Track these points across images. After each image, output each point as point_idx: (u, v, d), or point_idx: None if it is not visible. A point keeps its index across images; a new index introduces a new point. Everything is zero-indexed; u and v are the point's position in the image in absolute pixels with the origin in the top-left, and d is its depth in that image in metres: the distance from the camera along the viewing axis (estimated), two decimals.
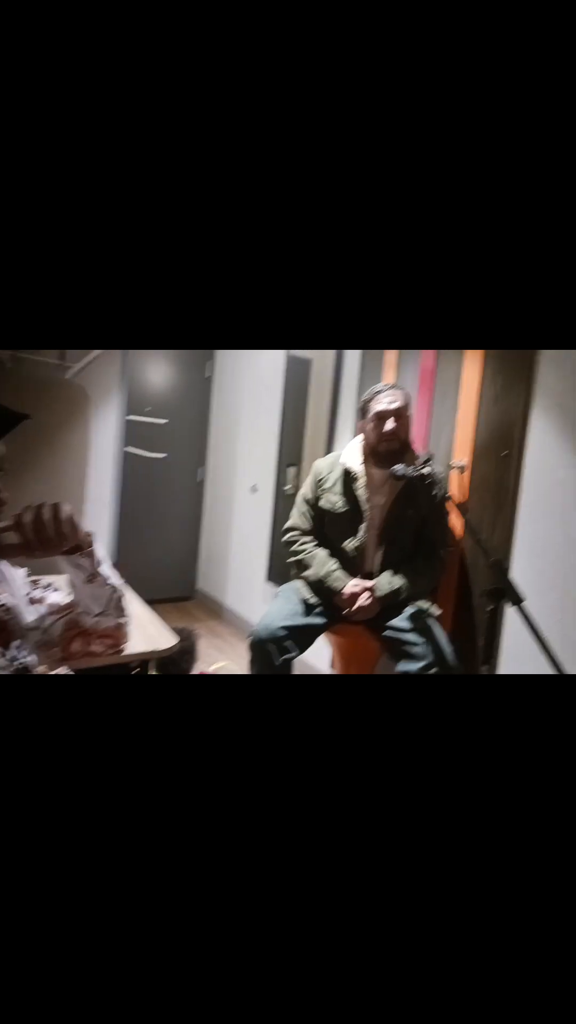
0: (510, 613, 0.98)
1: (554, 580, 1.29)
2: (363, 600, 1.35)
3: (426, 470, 1.30)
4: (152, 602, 2.48)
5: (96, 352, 1.73)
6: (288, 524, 1.58)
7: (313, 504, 1.54)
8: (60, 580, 0.99)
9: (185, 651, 1.99)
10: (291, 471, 2.56)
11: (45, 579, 0.97)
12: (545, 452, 1.36)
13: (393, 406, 1.39)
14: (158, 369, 3.01)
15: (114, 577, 0.89)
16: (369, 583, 1.38)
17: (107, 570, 0.88)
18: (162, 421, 3.04)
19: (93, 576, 0.84)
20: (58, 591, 0.97)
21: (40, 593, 0.93)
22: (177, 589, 3.21)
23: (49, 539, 0.72)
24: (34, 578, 0.96)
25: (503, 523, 1.44)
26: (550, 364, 1.35)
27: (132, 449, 2.86)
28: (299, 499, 1.59)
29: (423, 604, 1.39)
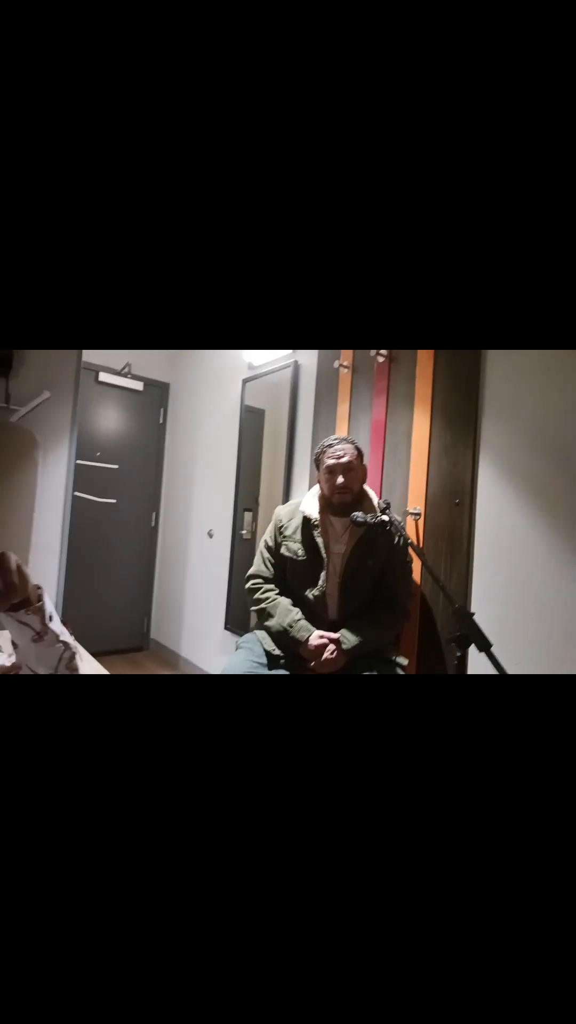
0: (472, 658, 1.01)
1: (510, 624, 1.33)
2: (329, 653, 1.34)
3: (384, 517, 1.34)
4: (102, 654, 2.33)
5: (44, 396, 1.69)
6: (251, 571, 1.56)
7: (274, 551, 1.54)
8: (1, 638, 0.91)
9: None
10: (247, 516, 2.56)
11: None
12: (493, 500, 1.44)
13: (343, 460, 1.42)
14: (109, 415, 2.97)
15: (64, 634, 0.84)
16: (334, 635, 1.37)
17: (57, 626, 0.82)
18: (113, 466, 2.98)
19: (41, 635, 0.78)
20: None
21: None
22: (129, 640, 3.06)
23: None
24: None
25: (458, 570, 1.49)
26: (493, 419, 1.46)
27: (81, 494, 2.76)
28: (261, 546, 1.58)
29: (390, 655, 1.40)
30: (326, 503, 1.49)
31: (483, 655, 0.94)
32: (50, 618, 0.81)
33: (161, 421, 3.18)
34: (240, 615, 2.45)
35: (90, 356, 2.79)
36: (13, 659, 0.82)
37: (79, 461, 2.79)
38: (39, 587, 0.81)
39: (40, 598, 0.80)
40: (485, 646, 0.95)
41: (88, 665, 1.07)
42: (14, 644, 0.79)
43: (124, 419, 3.03)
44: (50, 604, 0.82)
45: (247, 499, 2.52)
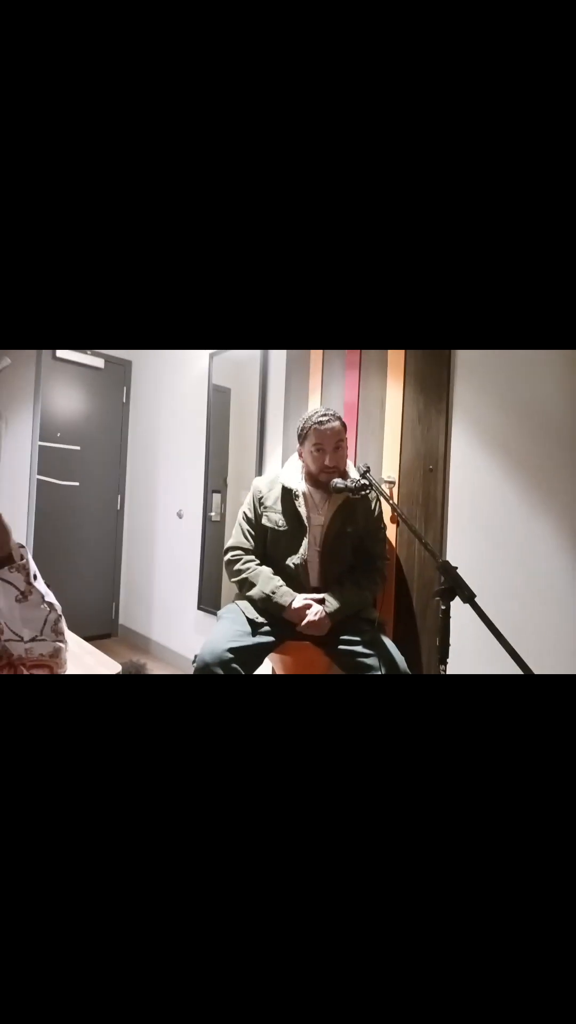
0: (456, 616, 1.04)
1: (490, 582, 1.39)
2: (313, 615, 1.35)
3: (365, 480, 1.35)
4: None
5: (5, 362, 1.60)
6: (229, 544, 1.55)
7: (255, 523, 1.53)
8: None
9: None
10: (216, 498, 2.53)
11: None
12: (467, 464, 1.48)
13: (334, 439, 1.42)
14: (69, 393, 2.85)
15: (49, 595, 0.81)
16: (318, 597, 1.39)
17: (41, 586, 0.79)
18: (75, 448, 2.87)
19: (25, 594, 0.75)
20: None
21: None
22: (97, 626, 2.98)
23: None
24: None
25: (433, 534, 1.53)
26: (464, 383, 1.50)
27: (43, 478, 2.65)
28: (239, 518, 1.56)
29: (370, 615, 1.42)
30: (310, 477, 1.49)
31: (468, 608, 0.97)
32: (34, 577, 0.78)
33: (124, 400, 3.08)
34: (213, 595, 2.43)
35: None
36: None
37: (39, 443, 2.67)
38: (22, 545, 0.77)
39: (23, 556, 0.76)
40: (469, 596, 0.98)
41: (68, 635, 1.03)
42: None
43: (85, 398, 2.91)
44: (33, 563, 0.78)
45: (216, 480, 2.49)
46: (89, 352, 2.89)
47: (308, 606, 1.36)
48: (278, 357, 2.14)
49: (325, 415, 1.45)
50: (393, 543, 1.65)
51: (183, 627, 2.64)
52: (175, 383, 2.78)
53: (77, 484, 2.87)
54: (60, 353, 2.78)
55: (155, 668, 2.60)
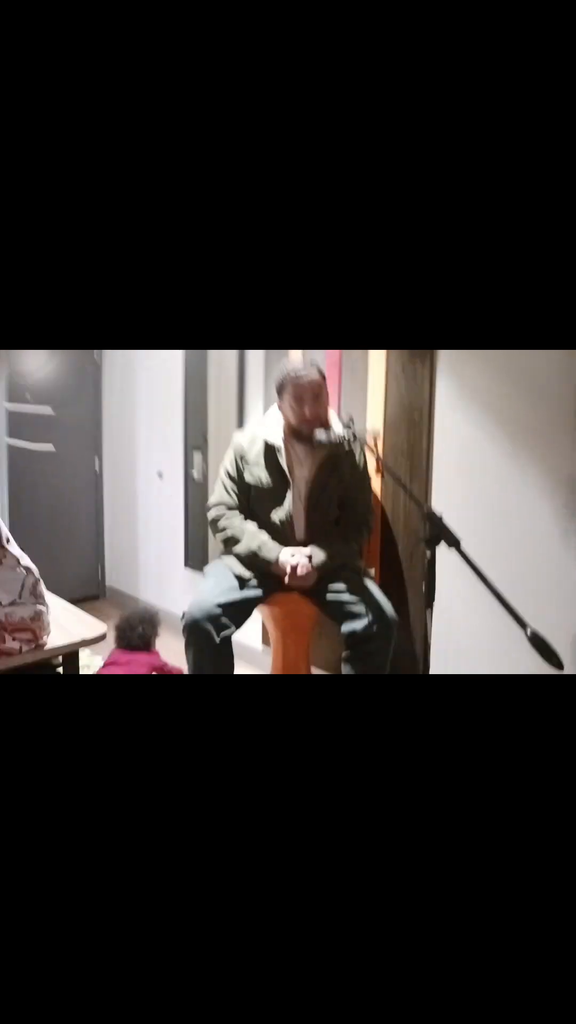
0: (441, 564, 1.06)
1: (475, 531, 1.41)
2: (302, 569, 1.36)
3: (348, 433, 1.34)
4: None
5: None
6: (212, 500, 1.54)
7: (237, 480, 1.51)
8: None
9: (144, 619, 1.86)
10: (197, 455, 2.48)
11: None
12: (450, 414, 1.47)
13: (310, 390, 1.39)
14: (39, 353, 2.71)
15: (25, 558, 0.79)
16: (305, 550, 1.40)
17: (15, 549, 0.77)
18: (47, 410, 2.76)
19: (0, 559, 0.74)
20: None
21: None
22: (84, 589, 2.98)
23: None
24: None
25: (419, 485, 1.54)
26: None
27: (14, 441, 2.56)
28: (222, 474, 1.54)
29: (356, 565, 1.44)
30: (291, 430, 1.46)
31: (454, 556, 0.99)
32: (7, 540, 0.76)
33: (96, 357, 2.95)
34: (199, 553, 2.43)
35: None
36: None
37: (7, 404, 2.56)
38: None
39: None
40: (454, 542, 1.00)
41: (51, 600, 1.02)
42: None
43: (54, 356, 2.78)
44: (5, 528, 0.76)
45: (195, 438, 2.44)
46: None
47: (295, 561, 1.37)
48: None
49: (302, 366, 1.41)
50: (378, 494, 1.65)
51: (172, 586, 2.65)
52: None
53: (51, 447, 2.78)
54: None
55: None
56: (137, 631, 1.79)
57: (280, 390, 1.45)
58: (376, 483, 1.64)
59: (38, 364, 2.72)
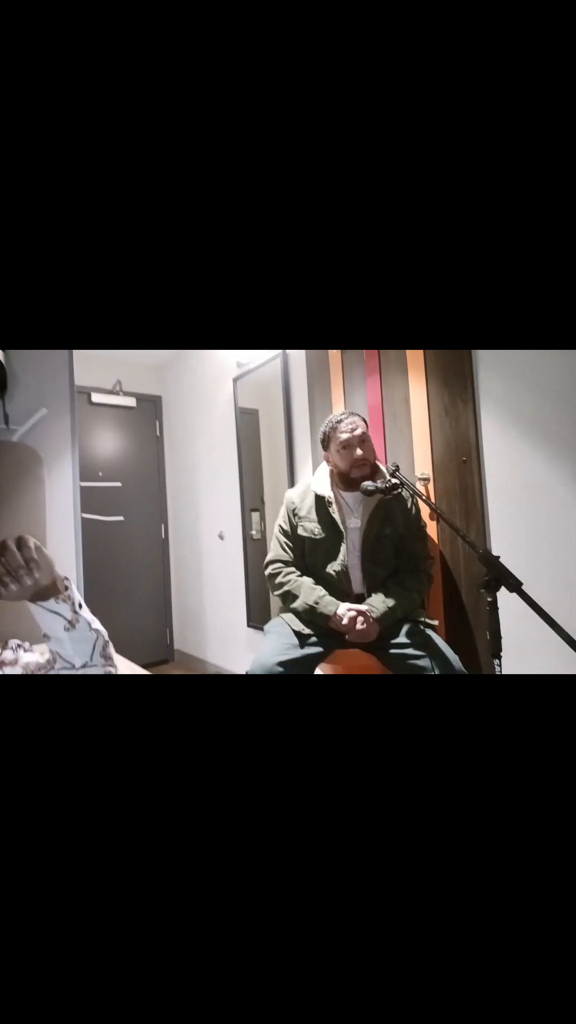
0: (504, 607, 1.00)
1: (537, 570, 1.32)
2: (360, 624, 1.33)
3: (395, 480, 1.34)
4: None
5: (42, 412, 1.70)
6: (269, 558, 1.56)
7: (291, 534, 1.53)
8: (30, 643, 0.91)
9: None
10: (255, 516, 2.56)
11: (14, 641, 0.89)
12: (500, 452, 1.44)
13: (357, 432, 1.43)
14: (106, 435, 2.99)
15: (95, 622, 0.83)
16: (363, 606, 1.37)
17: (87, 614, 0.82)
18: (116, 484, 2.99)
19: (73, 623, 0.78)
20: (30, 651, 0.89)
21: (11, 655, 0.85)
22: (154, 653, 3.06)
23: (17, 567, 0.67)
24: (2, 641, 0.88)
25: (475, 526, 1.48)
26: (487, 371, 1.46)
27: (88, 515, 2.77)
28: (276, 532, 1.57)
29: (419, 616, 1.39)
30: (340, 479, 1.48)
31: (516, 598, 0.93)
32: (80, 606, 0.81)
33: (158, 434, 3.20)
34: (261, 611, 2.44)
35: (80, 379, 2.80)
36: (47, 655, 0.82)
37: (82, 483, 2.80)
38: (66, 577, 0.81)
39: (67, 586, 0.80)
40: (516, 585, 0.94)
41: (119, 662, 1.07)
42: (45, 637, 0.79)
43: (121, 437, 3.05)
44: (77, 592, 0.82)
45: (252, 499, 2.53)
46: (120, 393, 3.02)
47: (354, 614, 1.34)
48: (299, 373, 2.17)
49: (343, 413, 1.47)
50: (436, 541, 1.61)
51: (235, 646, 2.66)
52: (204, 411, 2.86)
53: (122, 519, 2.98)
54: (95, 397, 2.92)
55: None
56: None
57: (326, 441, 1.50)
58: (432, 529, 1.61)
59: (108, 445, 2.99)
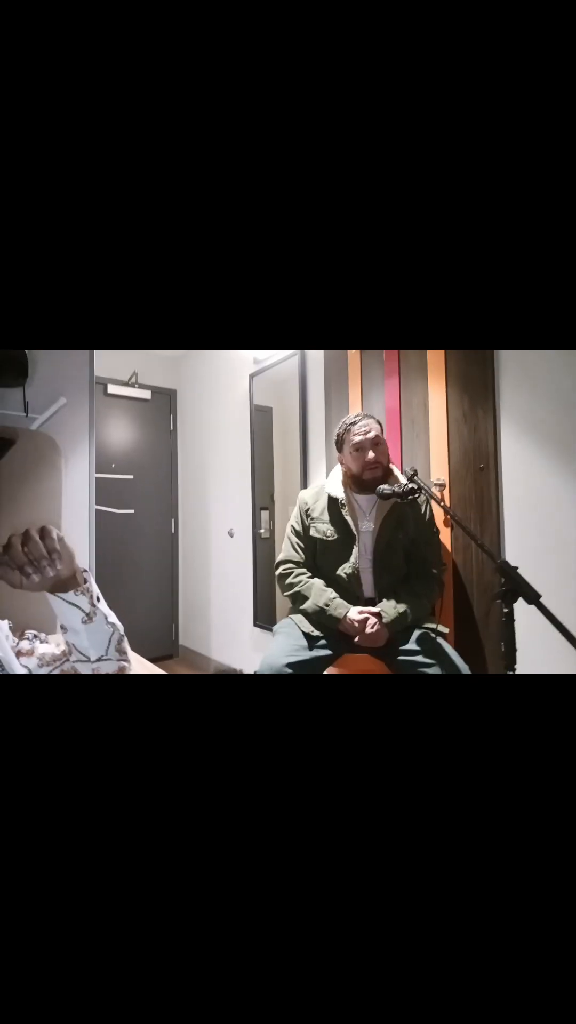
0: (520, 618, 0.99)
1: (552, 583, 1.31)
2: (370, 628, 1.32)
3: (413, 484, 1.33)
4: None
5: (61, 402, 1.71)
6: (280, 558, 1.56)
7: (303, 535, 1.53)
8: (46, 634, 0.91)
9: None
10: (264, 515, 2.56)
11: (30, 631, 0.90)
12: (518, 461, 1.42)
13: (371, 435, 1.43)
14: (120, 426, 3.00)
15: (112, 615, 0.84)
16: (374, 610, 1.36)
17: (104, 608, 0.82)
18: (129, 477, 3.00)
19: (90, 616, 0.78)
20: (46, 642, 0.89)
21: (28, 645, 0.86)
22: (159, 648, 3.07)
23: (40, 557, 0.67)
24: (19, 631, 0.88)
25: (489, 535, 1.47)
26: (508, 380, 1.44)
27: (101, 507, 2.78)
28: (288, 532, 1.57)
29: (430, 624, 1.38)
30: (353, 481, 1.48)
31: (532, 610, 0.92)
32: (97, 599, 0.81)
33: (172, 427, 3.21)
34: (268, 610, 2.44)
35: (97, 369, 2.82)
36: (63, 647, 0.82)
37: (96, 475, 2.82)
38: (85, 569, 0.81)
39: (86, 579, 0.80)
40: (534, 597, 0.93)
41: (132, 656, 1.07)
42: (62, 628, 0.79)
43: (135, 429, 3.06)
44: (95, 585, 0.82)
45: (263, 498, 2.53)
46: (136, 386, 3.03)
47: (364, 618, 1.34)
48: (316, 372, 2.16)
49: (358, 415, 1.46)
50: (449, 548, 1.60)
51: (241, 644, 2.66)
52: (218, 407, 2.86)
53: (133, 511, 2.99)
54: (111, 389, 2.93)
55: None
56: None
57: (339, 443, 1.50)
58: (447, 536, 1.60)
59: (122, 437, 3.00)
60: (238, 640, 2.69)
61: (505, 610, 0.98)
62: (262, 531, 2.52)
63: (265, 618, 2.45)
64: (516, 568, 0.97)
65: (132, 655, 1.15)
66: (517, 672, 0.97)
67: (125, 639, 0.86)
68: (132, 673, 0.97)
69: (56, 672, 0.81)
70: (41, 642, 0.86)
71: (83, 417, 1.80)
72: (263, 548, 2.49)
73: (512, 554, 1.43)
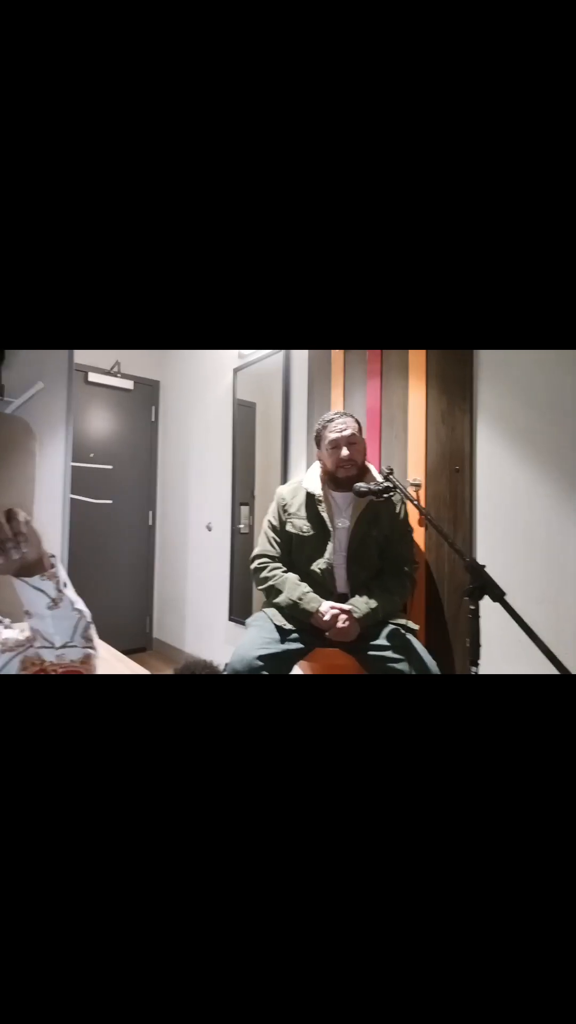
0: (485, 616, 1.01)
1: (520, 583, 1.34)
2: (342, 622, 1.34)
3: (388, 483, 1.35)
4: None
5: (38, 386, 1.68)
6: (255, 552, 1.56)
7: (280, 530, 1.53)
8: (9, 619, 0.90)
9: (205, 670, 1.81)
10: (244, 510, 2.55)
11: None
12: (493, 463, 1.45)
13: (346, 433, 1.45)
14: (101, 415, 2.96)
15: (79, 602, 0.83)
16: (346, 606, 1.37)
17: (71, 593, 0.81)
18: (108, 467, 2.96)
19: (56, 601, 0.77)
20: (10, 628, 0.88)
21: None
22: (132, 640, 3.04)
23: (5, 539, 0.66)
24: None
25: (463, 535, 1.50)
26: (487, 382, 1.47)
27: (77, 496, 2.74)
28: (265, 526, 1.57)
29: (400, 620, 1.40)
30: (329, 478, 1.49)
31: (499, 608, 0.94)
32: (64, 585, 0.80)
33: (153, 419, 3.18)
34: (243, 605, 2.44)
35: (79, 356, 2.78)
36: (27, 633, 0.81)
37: (73, 463, 2.77)
38: (52, 555, 0.80)
39: (53, 564, 0.79)
40: (498, 595, 0.95)
41: (100, 644, 1.06)
42: (27, 614, 0.78)
43: (116, 419, 3.02)
44: (63, 571, 0.81)
45: (243, 493, 2.52)
46: (118, 375, 2.99)
47: (336, 613, 1.35)
48: (300, 369, 2.16)
49: (336, 413, 1.49)
50: (422, 547, 1.62)
51: (214, 638, 2.66)
52: (201, 400, 2.85)
53: (111, 502, 2.96)
54: (92, 377, 2.89)
55: None
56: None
57: (318, 439, 1.51)
58: (420, 535, 1.62)
59: (102, 426, 2.96)
60: (212, 634, 2.68)
61: (472, 607, 1.00)
62: (241, 526, 2.52)
63: (240, 612, 2.45)
64: (484, 567, 1.00)
65: (104, 646, 1.14)
66: (480, 668, 1.00)
67: (92, 627, 0.85)
68: (102, 662, 0.96)
69: (19, 658, 0.80)
70: (6, 627, 0.84)
71: (61, 403, 1.77)
72: (241, 543, 2.49)
73: (484, 554, 1.46)
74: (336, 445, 1.45)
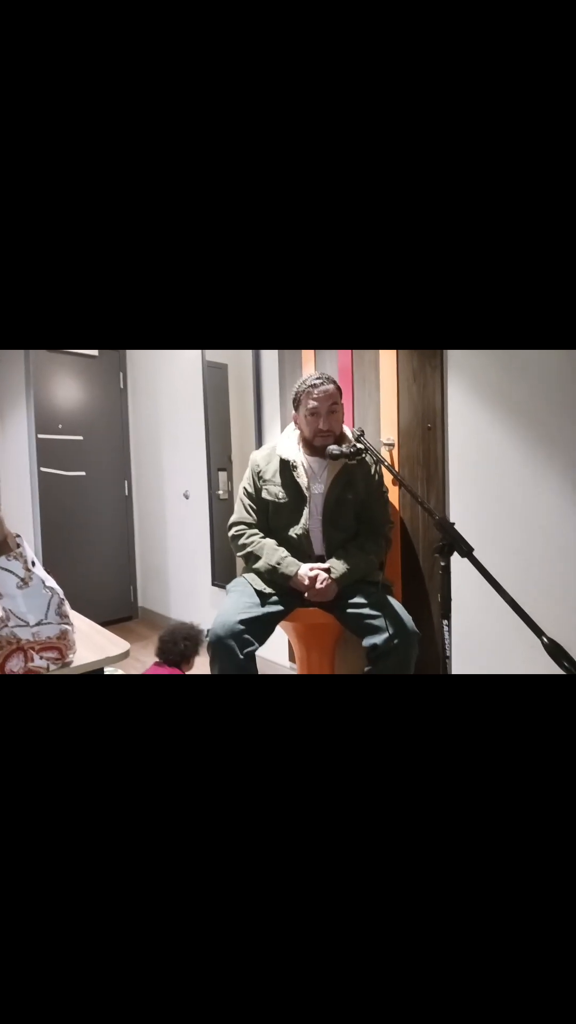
0: (456, 571, 1.04)
1: (491, 537, 1.38)
2: (320, 583, 1.36)
3: (360, 444, 1.35)
4: None
5: None
6: (232, 519, 1.56)
7: (255, 497, 1.53)
8: None
9: (189, 636, 1.81)
10: (222, 475, 2.53)
11: None
12: (465, 421, 1.46)
13: (328, 401, 1.42)
14: (66, 384, 2.85)
15: (49, 580, 0.83)
16: (324, 566, 1.40)
17: (40, 572, 0.81)
18: (77, 438, 2.88)
19: (26, 580, 0.77)
20: None
21: None
22: (118, 610, 3.06)
23: None
24: None
25: (436, 493, 1.52)
26: None
27: (48, 470, 2.68)
28: (240, 493, 1.57)
29: (376, 578, 1.43)
30: (305, 444, 1.48)
31: (467, 564, 0.97)
32: (32, 563, 0.80)
33: (122, 386, 3.08)
34: (226, 570, 2.46)
35: None
36: (0, 612, 0.81)
37: (41, 435, 2.69)
38: (18, 535, 0.79)
39: (19, 544, 0.78)
40: (467, 551, 0.98)
41: (77, 619, 1.06)
42: (1, 595, 0.78)
43: (82, 388, 2.91)
44: (29, 550, 0.80)
45: (220, 458, 2.49)
46: None
47: (315, 575, 1.38)
48: None
49: (319, 378, 1.44)
50: (396, 506, 1.64)
51: (200, 604, 2.69)
52: (170, 364, 2.76)
53: (83, 474, 2.89)
54: None
55: None
56: (179, 647, 1.78)
57: (296, 403, 1.48)
58: (394, 495, 1.64)
59: (68, 395, 2.85)
60: (196, 600, 2.71)
61: (442, 563, 1.03)
62: (220, 492, 2.50)
63: (223, 577, 2.47)
64: (453, 524, 1.02)
65: (82, 619, 1.14)
66: (452, 620, 1.04)
67: (66, 603, 0.85)
68: (81, 636, 0.96)
69: None
70: None
71: (19, 374, 1.70)
72: (220, 509, 2.48)
73: (456, 512, 1.49)
74: (316, 413, 1.43)
